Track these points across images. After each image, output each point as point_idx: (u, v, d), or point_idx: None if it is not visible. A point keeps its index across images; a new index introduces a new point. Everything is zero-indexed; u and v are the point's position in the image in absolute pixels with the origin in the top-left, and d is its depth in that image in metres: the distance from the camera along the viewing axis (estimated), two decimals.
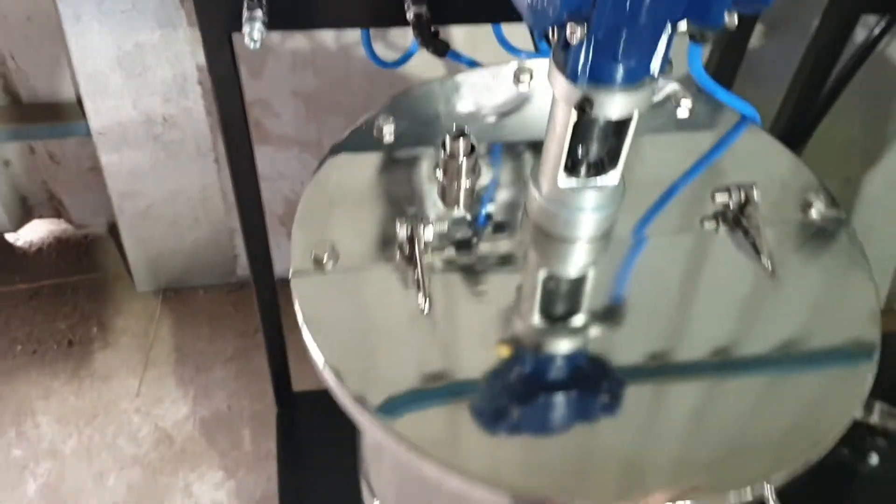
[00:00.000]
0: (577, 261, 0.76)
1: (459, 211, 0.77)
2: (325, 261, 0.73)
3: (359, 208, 0.78)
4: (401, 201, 0.78)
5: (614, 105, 0.65)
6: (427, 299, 0.71)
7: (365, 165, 0.82)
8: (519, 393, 0.67)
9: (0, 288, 1.87)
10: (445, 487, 0.67)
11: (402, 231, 0.73)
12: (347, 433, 1.13)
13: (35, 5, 1.52)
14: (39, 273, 1.90)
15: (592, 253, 0.76)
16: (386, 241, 0.75)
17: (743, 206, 0.78)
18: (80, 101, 1.62)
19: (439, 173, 0.77)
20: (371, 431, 0.66)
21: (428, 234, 0.72)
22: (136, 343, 1.81)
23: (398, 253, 0.74)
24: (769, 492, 0.63)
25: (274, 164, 1.71)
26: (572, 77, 0.64)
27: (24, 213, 1.90)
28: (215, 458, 1.66)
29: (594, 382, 0.68)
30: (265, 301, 1.40)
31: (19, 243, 1.95)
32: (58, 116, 1.66)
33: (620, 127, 0.69)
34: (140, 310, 1.86)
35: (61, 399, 1.72)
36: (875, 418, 1.31)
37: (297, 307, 0.71)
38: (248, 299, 1.87)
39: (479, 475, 0.62)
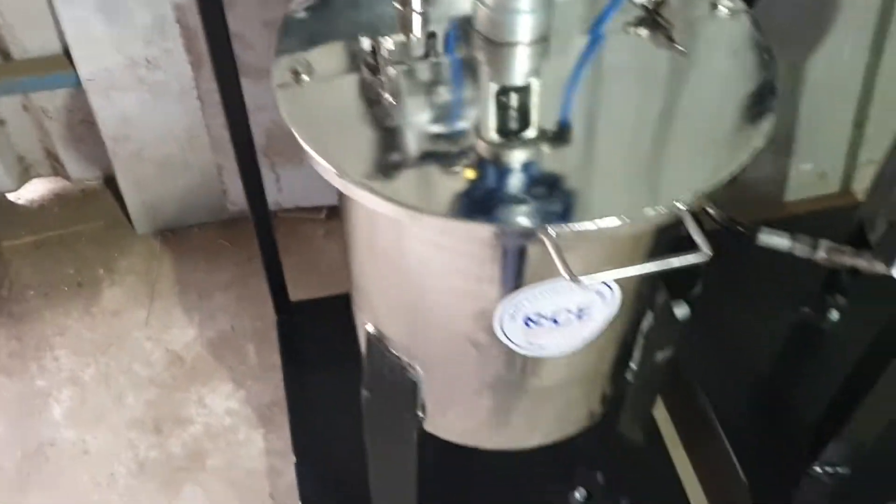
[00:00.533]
0: (518, 63, 0.89)
1: (415, 34, 0.89)
2: (301, 74, 0.86)
3: (328, 35, 0.91)
4: (364, 28, 0.91)
5: None
6: (391, 96, 0.84)
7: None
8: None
9: (6, 242, 1.99)
10: (423, 236, 0.80)
11: (365, 44, 0.86)
12: (341, 334, 1.25)
13: None
14: (43, 226, 2.02)
15: (533, 56, 0.89)
16: (353, 58, 0.88)
17: (658, 6, 0.92)
18: (67, 53, 1.74)
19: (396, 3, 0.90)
20: (349, 192, 0.78)
21: (388, 45, 0.85)
22: (141, 280, 1.93)
23: (363, 65, 0.87)
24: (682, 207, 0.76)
25: (252, 98, 1.83)
26: None
27: (23, 172, 2.02)
28: (224, 373, 1.78)
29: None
30: (260, 217, 1.54)
31: (21, 202, 2.07)
32: (48, 69, 1.78)
33: None
34: (141, 250, 1.98)
35: (76, 334, 1.84)
36: (822, 254, 1.38)
37: (282, 111, 0.84)
38: (239, 233, 2.00)
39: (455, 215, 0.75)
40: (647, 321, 1.05)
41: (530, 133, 0.81)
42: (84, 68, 1.73)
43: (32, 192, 2.08)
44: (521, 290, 0.85)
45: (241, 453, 1.68)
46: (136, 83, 1.77)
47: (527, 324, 0.88)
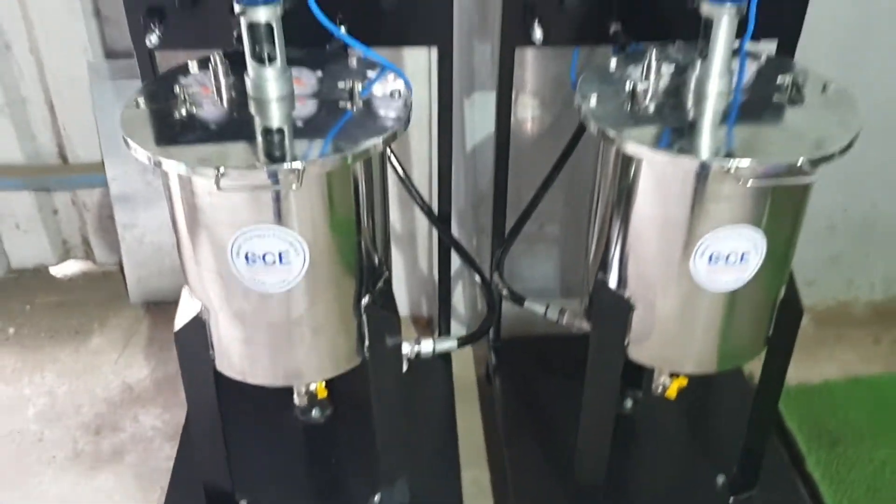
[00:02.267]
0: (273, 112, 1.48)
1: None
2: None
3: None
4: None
5: None
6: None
7: None
8: None
9: (39, 300, 2.65)
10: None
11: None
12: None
13: (83, 91, 2.42)
14: (67, 292, 2.69)
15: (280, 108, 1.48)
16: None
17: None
18: (102, 161, 2.49)
19: None
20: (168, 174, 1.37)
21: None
22: (123, 334, 2.53)
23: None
24: None
25: None
26: None
27: (64, 253, 2.73)
28: (159, 401, 2.31)
29: None
30: None
31: (57, 274, 2.76)
32: (91, 172, 2.52)
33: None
34: (129, 314, 2.60)
35: (63, 363, 2.43)
36: (563, 319, 1.81)
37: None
38: None
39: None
40: None
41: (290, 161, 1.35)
42: (110, 172, 2.46)
43: (67, 268, 2.77)
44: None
45: (152, 456, 2.17)
46: (144, 186, 2.47)
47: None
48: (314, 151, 1.36)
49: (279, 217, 1.38)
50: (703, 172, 1.37)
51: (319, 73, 1.59)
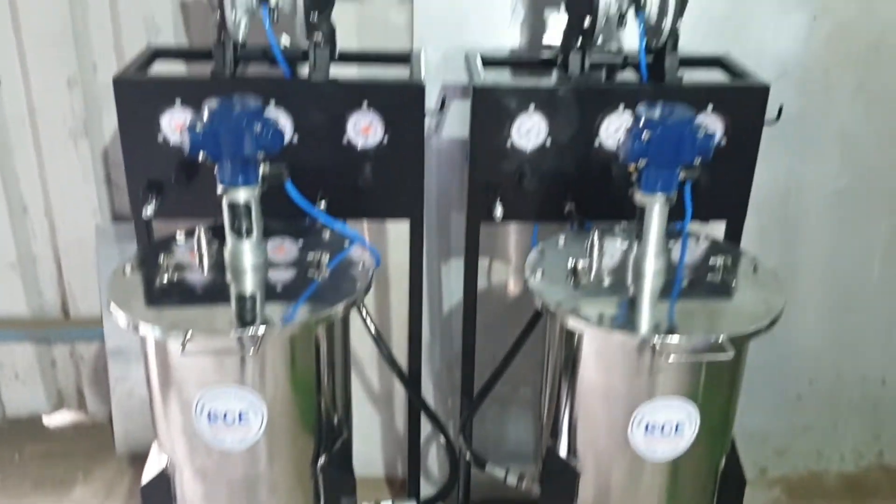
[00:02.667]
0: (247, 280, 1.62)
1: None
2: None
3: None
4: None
5: None
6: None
7: None
8: None
9: (28, 448, 2.73)
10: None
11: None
12: None
13: (89, 251, 2.59)
14: (57, 441, 2.77)
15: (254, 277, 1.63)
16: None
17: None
18: (101, 316, 2.63)
19: None
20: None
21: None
22: (105, 485, 2.60)
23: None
24: None
25: None
26: None
27: (59, 402, 2.83)
28: None
29: None
30: None
31: (50, 423, 2.85)
32: (89, 326, 2.66)
33: None
34: (113, 465, 2.67)
35: None
36: (523, 484, 1.88)
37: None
38: None
39: None
40: None
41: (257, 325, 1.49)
42: (107, 326, 2.60)
43: (59, 417, 2.86)
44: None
45: None
46: (134, 340, 2.59)
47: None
48: (276, 318, 1.49)
49: (240, 379, 1.49)
50: (635, 347, 1.49)
51: (300, 243, 1.75)
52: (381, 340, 2.00)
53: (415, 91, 1.85)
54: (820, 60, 2.21)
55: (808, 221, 2.38)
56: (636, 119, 1.53)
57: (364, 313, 1.80)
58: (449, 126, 2.26)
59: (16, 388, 2.80)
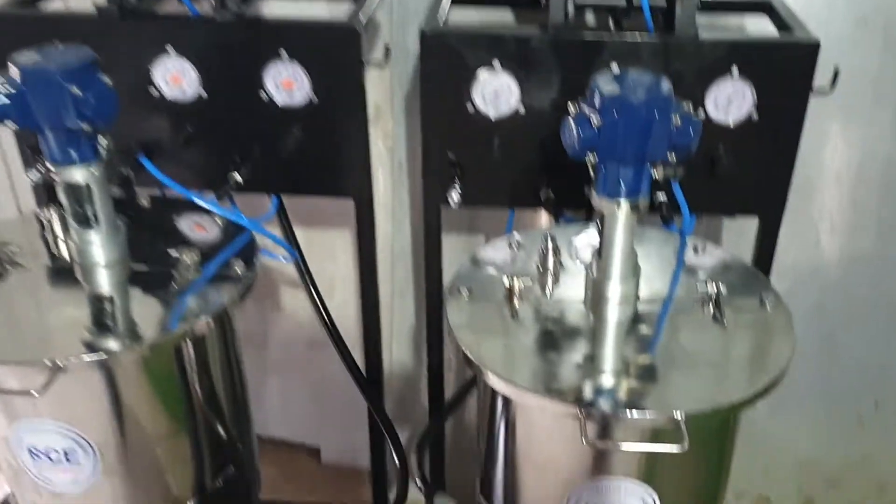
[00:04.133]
0: None
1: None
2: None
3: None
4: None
5: None
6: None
7: None
8: None
9: None
10: None
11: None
12: None
13: None
14: None
15: None
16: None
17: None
18: None
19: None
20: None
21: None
22: None
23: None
24: None
25: None
26: None
27: None
28: None
29: None
30: None
31: None
32: None
33: None
34: None
35: None
36: None
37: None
38: None
39: None
40: None
41: None
42: None
43: None
44: None
45: None
46: None
47: None
48: (104, 340, 1.17)
49: (56, 410, 1.17)
50: (568, 417, 1.08)
51: (190, 232, 1.41)
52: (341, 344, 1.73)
53: (346, 35, 1.44)
54: None
55: (872, 208, 1.86)
56: (589, 95, 1.08)
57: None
58: None
59: None
